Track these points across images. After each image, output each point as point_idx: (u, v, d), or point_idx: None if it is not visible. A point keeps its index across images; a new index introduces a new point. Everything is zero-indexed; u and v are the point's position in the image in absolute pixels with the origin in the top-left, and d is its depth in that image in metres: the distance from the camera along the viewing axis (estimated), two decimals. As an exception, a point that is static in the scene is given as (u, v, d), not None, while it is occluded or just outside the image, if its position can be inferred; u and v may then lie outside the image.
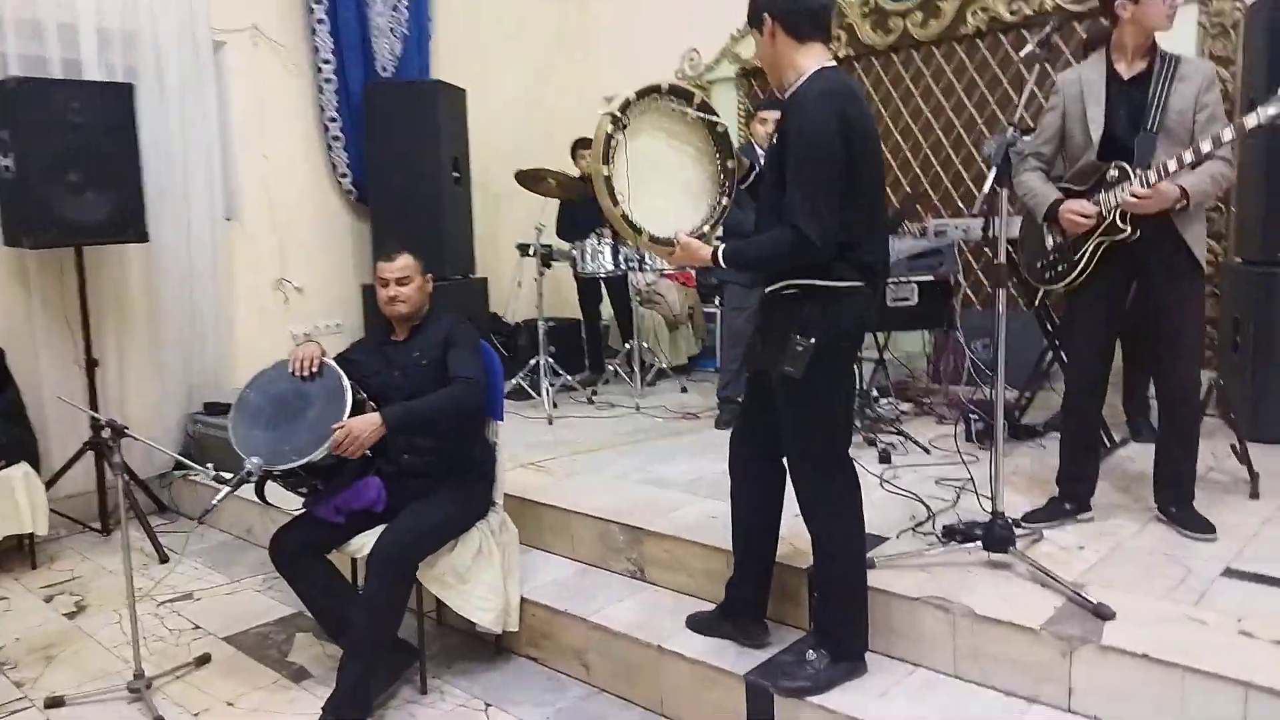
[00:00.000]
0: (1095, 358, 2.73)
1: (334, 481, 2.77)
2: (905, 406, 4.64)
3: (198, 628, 3.26)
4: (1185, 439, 2.70)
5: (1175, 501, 2.77)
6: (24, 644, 3.18)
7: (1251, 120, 2.34)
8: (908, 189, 5.48)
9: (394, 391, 2.82)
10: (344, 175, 5.44)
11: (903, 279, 4.42)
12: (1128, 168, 2.52)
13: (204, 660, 2.98)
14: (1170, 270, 2.57)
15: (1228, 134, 2.40)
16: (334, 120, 5.36)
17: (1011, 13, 5.02)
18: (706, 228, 2.38)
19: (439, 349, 2.86)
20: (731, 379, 4.52)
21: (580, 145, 5.61)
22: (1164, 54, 2.60)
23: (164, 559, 3.96)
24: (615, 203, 2.25)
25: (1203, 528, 2.69)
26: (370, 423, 2.62)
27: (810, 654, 2.30)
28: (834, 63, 2.20)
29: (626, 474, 3.64)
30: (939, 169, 5.41)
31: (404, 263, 2.89)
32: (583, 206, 5.35)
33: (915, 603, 2.37)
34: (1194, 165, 2.46)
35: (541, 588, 2.98)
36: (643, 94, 2.30)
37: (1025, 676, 2.20)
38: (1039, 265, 2.82)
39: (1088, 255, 2.61)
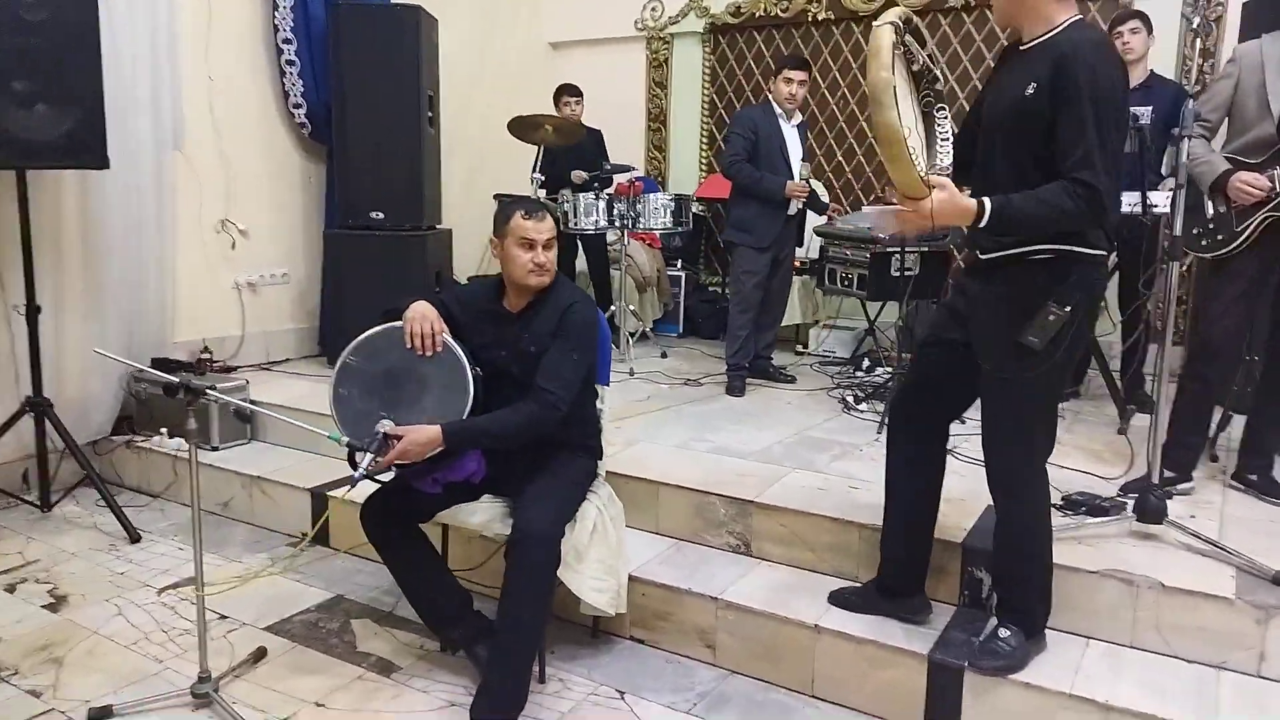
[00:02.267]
0: (1229, 329, 2.79)
1: (440, 461, 2.43)
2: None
3: (224, 618, 2.82)
4: None
5: (1258, 470, 2.91)
6: (15, 645, 2.64)
7: None
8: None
9: (500, 376, 2.46)
10: (297, 106, 4.85)
11: (909, 249, 4.45)
12: None
13: (260, 656, 2.57)
14: None
15: None
16: (289, 42, 4.75)
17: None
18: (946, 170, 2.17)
19: (549, 340, 2.44)
20: (741, 345, 4.41)
21: (565, 92, 5.28)
22: None
23: (135, 539, 3.42)
24: (901, 121, 1.92)
25: None
26: (427, 438, 2.25)
27: (1004, 631, 2.23)
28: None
29: (687, 444, 3.45)
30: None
31: (550, 223, 2.45)
32: (568, 155, 5.05)
33: (1095, 576, 2.35)
34: None
35: (642, 566, 2.77)
36: (906, 19, 2.07)
37: (1213, 644, 2.23)
38: (1195, 232, 2.84)
39: (1251, 228, 2.66)
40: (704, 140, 6.26)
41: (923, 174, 2.00)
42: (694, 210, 5.23)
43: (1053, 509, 2.28)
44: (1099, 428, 3.75)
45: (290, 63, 4.77)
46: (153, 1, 4.04)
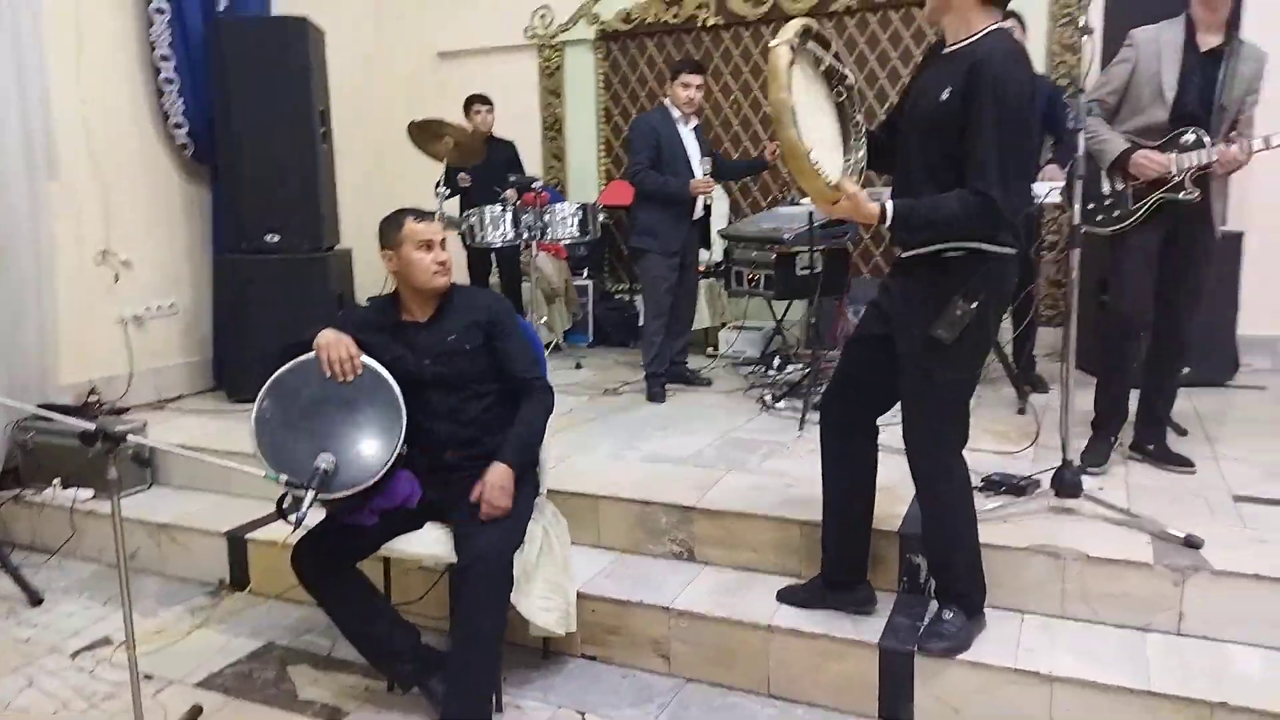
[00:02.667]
0: (1137, 299, 2.93)
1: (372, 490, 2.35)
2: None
3: (149, 677, 2.65)
4: (1173, 385, 3.03)
5: (1153, 440, 3.11)
6: (-86, 731, 2.43)
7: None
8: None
9: (418, 385, 2.41)
10: (178, 126, 4.62)
11: (815, 248, 4.57)
12: (1204, 136, 2.75)
13: (196, 714, 2.44)
14: (1207, 230, 2.85)
15: None
16: (166, 59, 4.52)
17: (879, -7, 5.31)
18: (853, 179, 2.25)
19: (479, 333, 2.48)
20: (657, 351, 4.42)
21: (476, 100, 5.19)
22: (1235, 33, 2.82)
23: (36, 601, 3.19)
24: (801, 137, 2.01)
25: (1180, 462, 3.05)
26: (503, 478, 2.35)
27: (946, 614, 2.32)
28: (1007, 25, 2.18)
29: (620, 454, 3.45)
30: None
31: (440, 224, 2.51)
32: (476, 170, 4.97)
33: (1023, 553, 2.47)
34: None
35: (588, 582, 2.75)
36: (803, 31, 2.13)
37: (1136, 608, 2.37)
38: (1089, 207, 2.95)
39: (1147, 206, 2.83)
40: (601, 147, 6.27)
41: (828, 181, 2.10)
42: (600, 219, 5.23)
43: (974, 491, 2.38)
44: (999, 409, 3.93)
45: (169, 81, 4.54)
46: (15, 20, 3.77)
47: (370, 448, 2.23)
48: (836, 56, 2.24)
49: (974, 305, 2.11)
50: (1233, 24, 2.89)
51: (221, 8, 4.68)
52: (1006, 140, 2.02)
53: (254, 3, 4.84)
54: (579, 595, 2.64)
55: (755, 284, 4.74)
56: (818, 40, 2.19)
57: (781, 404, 4.15)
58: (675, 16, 5.86)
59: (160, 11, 4.46)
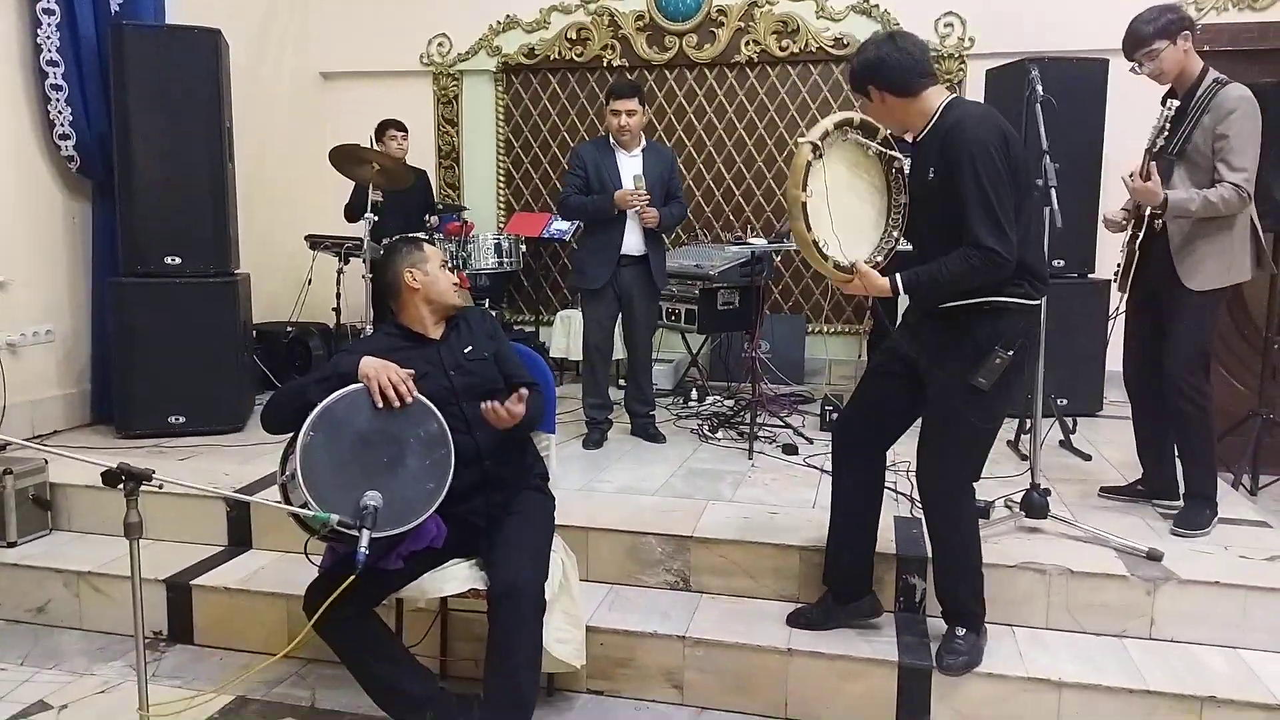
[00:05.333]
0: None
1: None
2: (729, 402, 4.93)
3: (108, 745, 2.38)
4: None
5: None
6: None
7: None
8: (700, 201, 5.83)
9: (456, 398, 2.38)
10: (65, 137, 4.18)
11: (732, 285, 4.74)
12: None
13: (189, 781, 2.21)
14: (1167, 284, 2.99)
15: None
16: (54, 64, 4.11)
17: (781, 49, 5.62)
18: (880, 257, 2.42)
19: (489, 344, 2.53)
20: (592, 395, 4.18)
21: (391, 126, 5.02)
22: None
23: (-69, 668, 2.77)
24: (809, 228, 2.25)
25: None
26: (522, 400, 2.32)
27: (959, 631, 2.46)
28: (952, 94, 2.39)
29: (592, 486, 3.42)
30: (731, 184, 5.82)
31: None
32: (393, 197, 4.80)
33: (1012, 570, 2.67)
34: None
35: (592, 615, 2.71)
36: (839, 125, 2.29)
37: (1113, 616, 2.61)
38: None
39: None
40: (501, 179, 6.21)
41: (838, 263, 2.32)
42: (521, 249, 5.19)
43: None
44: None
45: (56, 87, 4.12)
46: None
47: (418, 490, 2.14)
48: (885, 143, 2.39)
49: (1010, 352, 2.28)
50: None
51: (114, 11, 4.32)
52: (989, 193, 2.20)
53: (146, 10, 4.48)
54: (587, 629, 2.61)
55: (676, 318, 4.86)
56: (862, 129, 2.35)
57: (719, 435, 4.25)
58: (580, 55, 5.93)
59: (49, 13, 4.06)
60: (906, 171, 2.42)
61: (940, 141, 2.29)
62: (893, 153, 2.40)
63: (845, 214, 2.34)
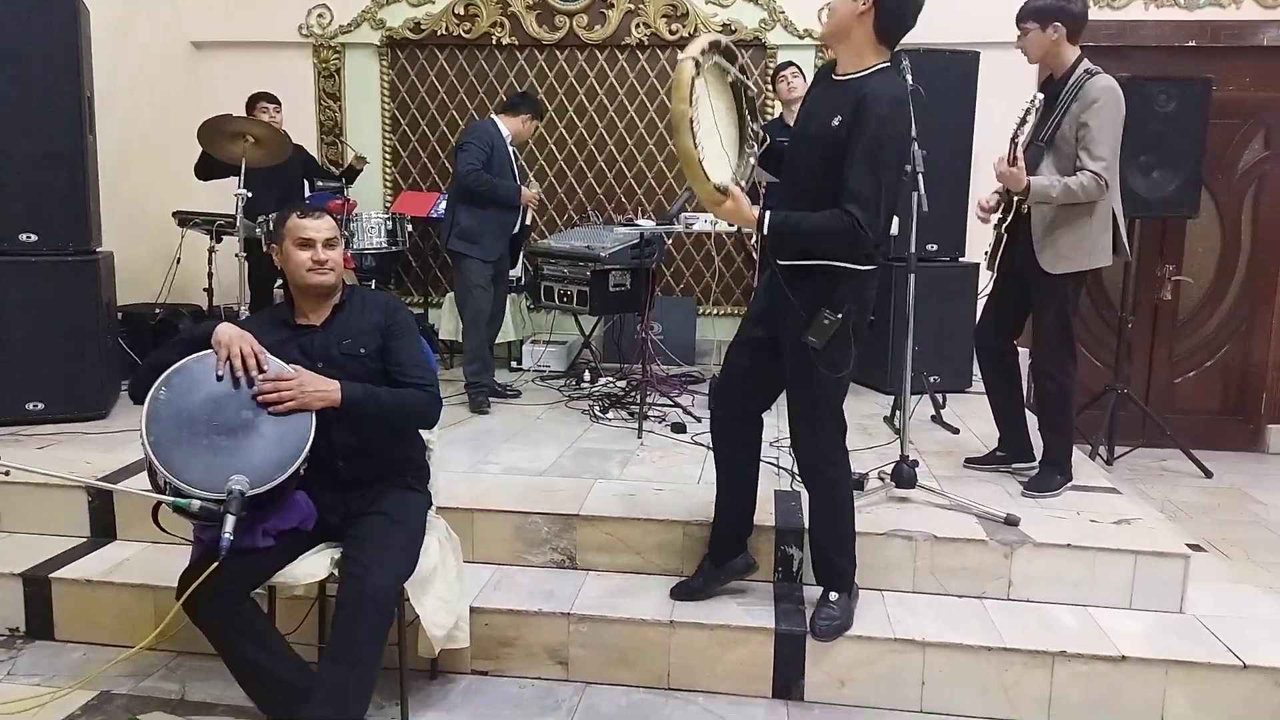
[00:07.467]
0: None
1: (267, 506, 2.18)
2: (621, 383, 4.97)
3: (-42, 748, 2.24)
4: None
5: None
6: None
7: None
8: (592, 182, 5.81)
9: None
10: (-99, 103, 3.87)
11: (623, 266, 4.77)
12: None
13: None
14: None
15: None
16: (-112, 24, 3.79)
17: (670, 32, 5.65)
18: (743, 183, 2.45)
19: (375, 338, 2.39)
20: (480, 361, 4.40)
21: (263, 99, 4.82)
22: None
23: None
24: (696, 145, 2.21)
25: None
26: (326, 388, 2.19)
27: (833, 595, 2.57)
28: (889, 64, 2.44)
29: (478, 468, 3.38)
30: (622, 166, 5.82)
31: (330, 222, 2.39)
32: (271, 173, 4.61)
33: (882, 537, 2.79)
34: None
35: (476, 596, 2.70)
36: (711, 45, 2.31)
37: (974, 579, 2.76)
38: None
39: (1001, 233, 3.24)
40: (387, 156, 6.06)
41: (716, 185, 2.30)
42: (409, 229, 5.07)
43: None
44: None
45: (-110, 49, 3.80)
46: None
47: (281, 451, 2.08)
48: (742, 70, 2.44)
49: (839, 315, 2.37)
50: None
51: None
52: (881, 175, 2.29)
53: (-4, -33, 4.18)
54: (472, 610, 2.60)
55: (567, 299, 4.85)
56: (725, 54, 2.38)
57: (610, 415, 4.28)
58: (468, 32, 5.82)
59: (-117, -36, 3.74)
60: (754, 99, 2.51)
61: (857, 99, 2.31)
62: (748, 81, 2.45)
63: (712, 135, 2.36)
